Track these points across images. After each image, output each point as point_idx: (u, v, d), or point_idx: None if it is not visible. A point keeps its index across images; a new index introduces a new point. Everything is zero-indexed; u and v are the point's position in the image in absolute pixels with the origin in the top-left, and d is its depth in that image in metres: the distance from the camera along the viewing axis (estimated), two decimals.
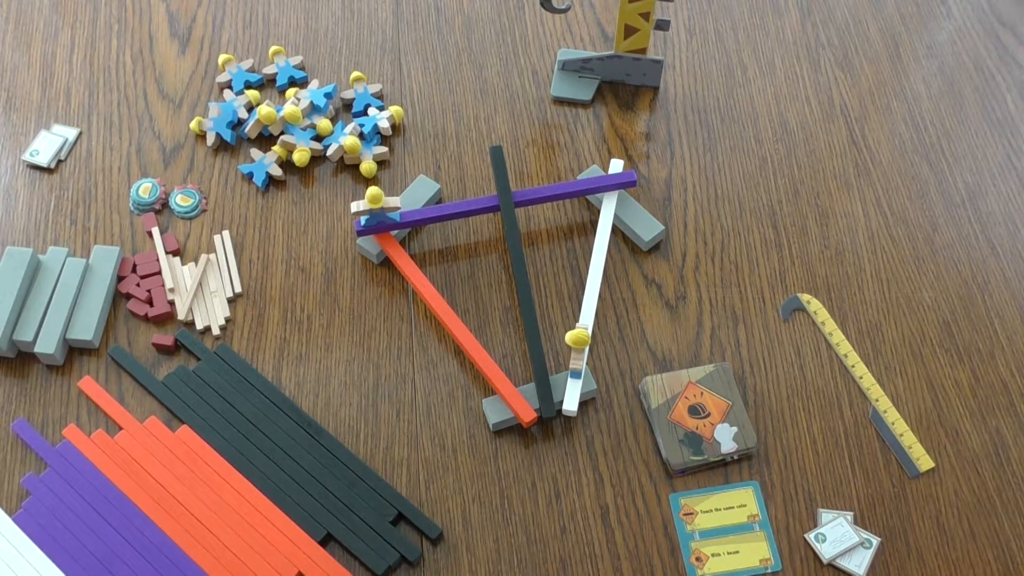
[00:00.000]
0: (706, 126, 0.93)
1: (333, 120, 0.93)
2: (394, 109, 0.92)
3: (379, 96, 0.94)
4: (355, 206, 0.81)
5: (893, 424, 0.77)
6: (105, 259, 0.83)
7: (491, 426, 0.76)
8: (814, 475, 0.75)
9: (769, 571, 0.71)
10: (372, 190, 0.80)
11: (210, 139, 0.91)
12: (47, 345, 0.78)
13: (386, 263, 0.85)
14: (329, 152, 0.90)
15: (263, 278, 0.84)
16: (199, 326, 0.81)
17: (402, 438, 0.77)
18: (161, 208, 0.87)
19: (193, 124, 0.91)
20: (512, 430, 0.77)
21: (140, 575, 0.69)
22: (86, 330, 0.79)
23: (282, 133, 0.91)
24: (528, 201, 0.85)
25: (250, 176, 0.89)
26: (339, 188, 0.89)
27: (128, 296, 0.82)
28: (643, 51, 0.92)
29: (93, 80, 0.95)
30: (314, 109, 0.92)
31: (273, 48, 0.96)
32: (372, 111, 0.92)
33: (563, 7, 0.90)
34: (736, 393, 0.77)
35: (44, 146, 0.90)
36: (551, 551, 0.72)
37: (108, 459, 0.74)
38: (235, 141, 0.91)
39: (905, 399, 0.78)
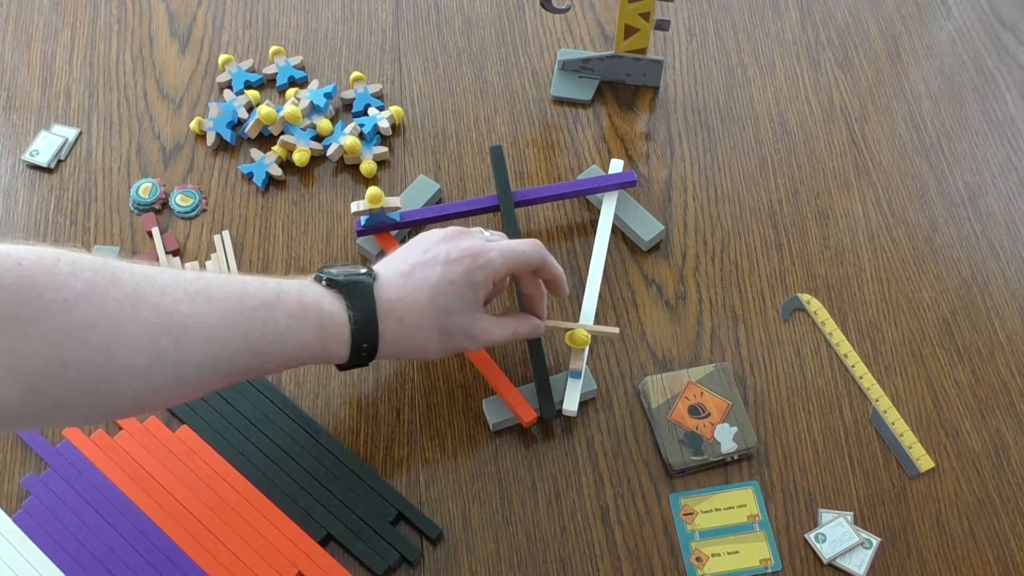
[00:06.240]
0: (706, 126, 0.93)
1: (333, 120, 0.93)
2: (394, 109, 0.91)
3: (379, 96, 0.94)
4: (355, 206, 0.81)
5: (893, 424, 0.77)
6: None
7: (491, 426, 0.76)
8: (814, 475, 0.75)
9: (769, 571, 0.71)
10: (372, 190, 0.80)
11: (210, 139, 0.91)
12: None
13: None
14: (329, 152, 0.90)
15: None
16: None
17: (402, 438, 0.77)
18: (161, 208, 0.87)
19: (193, 124, 0.91)
20: (512, 430, 0.77)
21: (140, 575, 0.69)
22: None
23: (282, 133, 0.91)
24: (528, 201, 0.85)
25: (250, 176, 0.89)
26: (339, 188, 0.89)
27: None
28: (643, 51, 0.92)
29: (93, 80, 0.95)
30: (314, 109, 0.92)
31: (273, 48, 0.96)
32: (372, 111, 0.92)
33: (563, 7, 0.90)
34: (736, 393, 0.77)
35: (44, 146, 0.90)
36: (551, 551, 0.72)
37: (108, 459, 0.73)
38: (235, 141, 0.91)
39: (905, 399, 0.78)
